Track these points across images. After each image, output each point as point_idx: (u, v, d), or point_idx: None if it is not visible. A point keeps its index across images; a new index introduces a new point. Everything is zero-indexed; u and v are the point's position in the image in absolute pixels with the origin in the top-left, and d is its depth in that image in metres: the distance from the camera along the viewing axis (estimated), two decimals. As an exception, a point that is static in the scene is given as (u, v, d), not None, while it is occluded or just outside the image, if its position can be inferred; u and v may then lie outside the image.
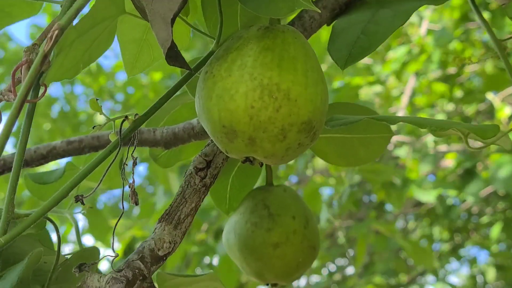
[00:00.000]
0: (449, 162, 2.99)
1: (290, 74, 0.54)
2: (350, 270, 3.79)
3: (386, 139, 0.77)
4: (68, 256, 0.64)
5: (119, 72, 3.95)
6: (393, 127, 2.64)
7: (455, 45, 2.67)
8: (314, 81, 0.55)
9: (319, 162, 2.67)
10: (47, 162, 0.72)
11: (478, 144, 0.67)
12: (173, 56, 0.51)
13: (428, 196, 2.66)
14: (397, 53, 2.65)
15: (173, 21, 0.50)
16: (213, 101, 0.54)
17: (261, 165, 0.59)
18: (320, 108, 0.55)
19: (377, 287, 3.52)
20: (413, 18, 2.84)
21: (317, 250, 0.76)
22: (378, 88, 2.83)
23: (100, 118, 3.47)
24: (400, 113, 2.81)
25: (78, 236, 0.72)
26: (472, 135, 0.64)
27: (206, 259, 2.74)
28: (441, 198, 2.94)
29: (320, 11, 0.59)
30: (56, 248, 0.61)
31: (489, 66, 2.86)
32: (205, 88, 0.55)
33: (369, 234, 2.38)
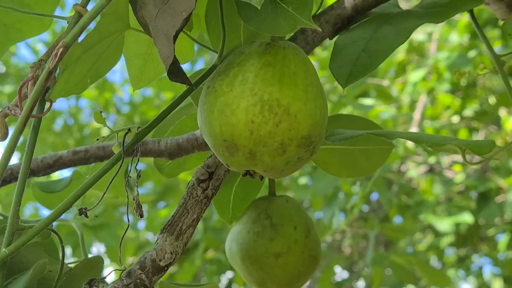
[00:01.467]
0: (456, 175, 2.99)
1: (290, 90, 0.55)
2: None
3: (387, 150, 0.78)
4: (72, 265, 0.65)
5: (127, 85, 3.98)
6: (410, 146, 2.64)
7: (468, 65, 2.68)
8: (313, 96, 0.56)
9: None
10: (53, 171, 0.74)
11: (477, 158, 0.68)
12: (175, 72, 0.53)
13: (444, 225, 2.66)
14: (414, 77, 2.66)
15: (175, 38, 0.51)
16: (215, 116, 0.55)
17: (261, 178, 0.60)
18: (319, 122, 0.56)
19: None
20: (422, 36, 2.86)
21: (318, 260, 0.77)
22: (392, 110, 2.84)
23: (105, 131, 3.49)
24: (413, 130, 2.83)
25: (83, 245, 0.73)
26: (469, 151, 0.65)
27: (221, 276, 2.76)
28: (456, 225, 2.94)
29: (321, 30, 0.60)
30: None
31: (498, 82, 2.87)
32: (207, 103, 0.57)
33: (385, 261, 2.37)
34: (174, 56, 0.52)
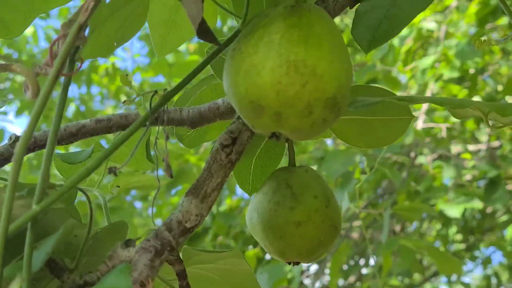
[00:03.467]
0: (467, 162, 2.99)
1: (316, 51, 0.55)
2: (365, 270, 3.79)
3: (406, 121, 0.78)
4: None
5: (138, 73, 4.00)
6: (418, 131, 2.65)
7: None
8: (339, 58, 0.57)
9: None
10: (76, 140, 0.74)
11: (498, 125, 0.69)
12: (203, 31, 0.53)
13: (454, 211, 2.67)
14: (423, 64, 2.66)
15: (203, -3, 0.52)
16: (241, 77, 0.56)
17: (286, 140, 0.60)
18: (345, 84, 0.57)
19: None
20: (431, 24, 2.86)
21: (338, 230, 0.78)
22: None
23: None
24: (421, 118, 2.83)
25: (107, 212, 0.74)
26: (492, 115, 0.65)
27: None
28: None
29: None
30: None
31: (505, 70, 2.87)
32: (232, 64, 0.57)
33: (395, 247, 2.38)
34: (202, 16, 0.52)
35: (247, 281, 0.76)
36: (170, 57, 3.86)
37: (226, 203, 3.14)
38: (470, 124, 3.08)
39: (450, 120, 3.06)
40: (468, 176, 3.07)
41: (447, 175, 2.80)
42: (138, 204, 3.94)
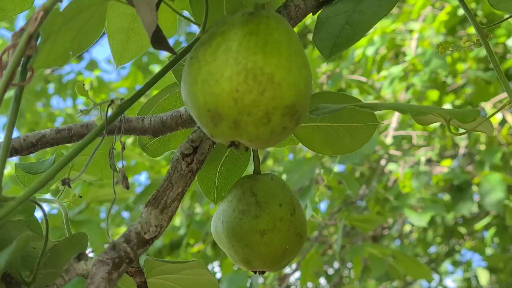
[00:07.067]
0: (442, 169, 3.01)
1: (274, 58, 0.55)
2: (346, 272, 3.79)
3: (371, 128, 0.78)
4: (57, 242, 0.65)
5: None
6: (388, 142, 2.67)
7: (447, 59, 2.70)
8: (298, 65, 0.56)
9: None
10: (36, 150, 0.73)
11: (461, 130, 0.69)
12: (158, 40, 0.52)
13: (420, 221, 2.68)
14: (392, 72, 2.68)
15: (157, 5, 0.51)
16: (199, 85, 0.55)
17: (246, 149, 0.60)
18: (304, 92, 0.56)
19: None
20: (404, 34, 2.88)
21: (304, 238, 0.77)
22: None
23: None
24: (393, 126, 2.85)
25: (68, 223, 0.72)
26: (454, 121, 0.65)
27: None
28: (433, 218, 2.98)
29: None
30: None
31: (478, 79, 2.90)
32: (190, 73, 0.56)
33: (364, 253, 2.39)
34: (157, 24, 0.52)
35: (211, 291, 0.76)
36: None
37: (204, 210, 3.14)
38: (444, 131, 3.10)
39: (430, 127, 3.07)
40: (439, 181, 3.09)
41: (416, 183, 2.81)
42: (126, 214, 3.92)
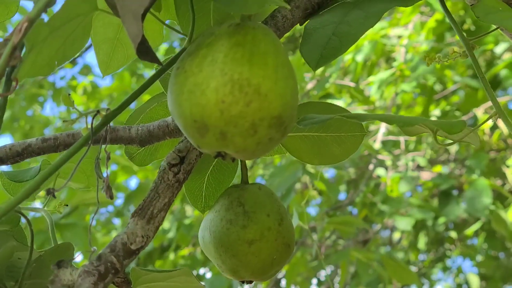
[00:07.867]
0: (429, 175, 3.02)
1: (260, 70, 0.55)
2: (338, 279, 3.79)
3: (359, 137, 0.78)
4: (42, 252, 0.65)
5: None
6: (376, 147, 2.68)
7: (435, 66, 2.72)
8: (284, 76, 0.56)
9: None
10: (22, 159, 0.72)
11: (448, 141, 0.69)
12: (143, 51, 0.52)
13: (405, 224, 2.69)
14: (381, 76, 2.69)
15: (143, 16, 0.51)
16: (185, 96, 0.55)
17: (233, 160, 0.60)
18: (290, 103, 0.56)
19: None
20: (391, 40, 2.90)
21: (291, 248, 0.77)
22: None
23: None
24: (380, 132, 2.86)
25: (53, 233, 0.72)
26: (441, 132, 0.65)
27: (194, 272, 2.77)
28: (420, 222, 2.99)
29: (289, 7, 0.60)
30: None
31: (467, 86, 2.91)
32: (176, 84, 0.56)
33: (350, 257, 2.40)
34: (143, 35, 0.51)
35: (197, 299, 0.75)
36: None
37: (194, 214, 3.13)
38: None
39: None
40: (426, 185, 3.10)
41: (403, 188, 2.82)
42: (116, 221, 3.91)
